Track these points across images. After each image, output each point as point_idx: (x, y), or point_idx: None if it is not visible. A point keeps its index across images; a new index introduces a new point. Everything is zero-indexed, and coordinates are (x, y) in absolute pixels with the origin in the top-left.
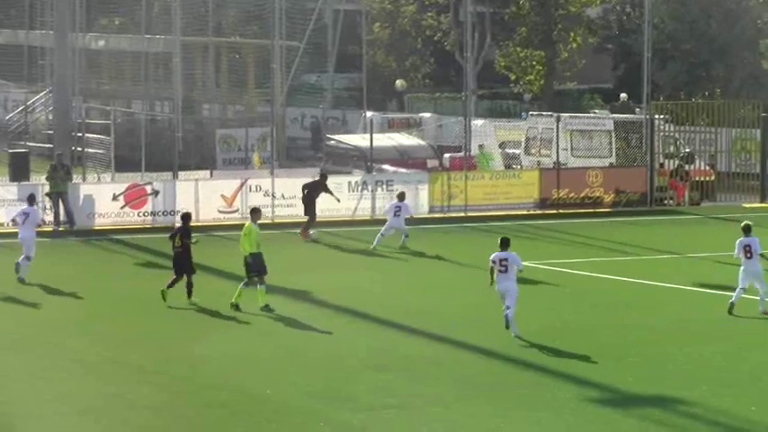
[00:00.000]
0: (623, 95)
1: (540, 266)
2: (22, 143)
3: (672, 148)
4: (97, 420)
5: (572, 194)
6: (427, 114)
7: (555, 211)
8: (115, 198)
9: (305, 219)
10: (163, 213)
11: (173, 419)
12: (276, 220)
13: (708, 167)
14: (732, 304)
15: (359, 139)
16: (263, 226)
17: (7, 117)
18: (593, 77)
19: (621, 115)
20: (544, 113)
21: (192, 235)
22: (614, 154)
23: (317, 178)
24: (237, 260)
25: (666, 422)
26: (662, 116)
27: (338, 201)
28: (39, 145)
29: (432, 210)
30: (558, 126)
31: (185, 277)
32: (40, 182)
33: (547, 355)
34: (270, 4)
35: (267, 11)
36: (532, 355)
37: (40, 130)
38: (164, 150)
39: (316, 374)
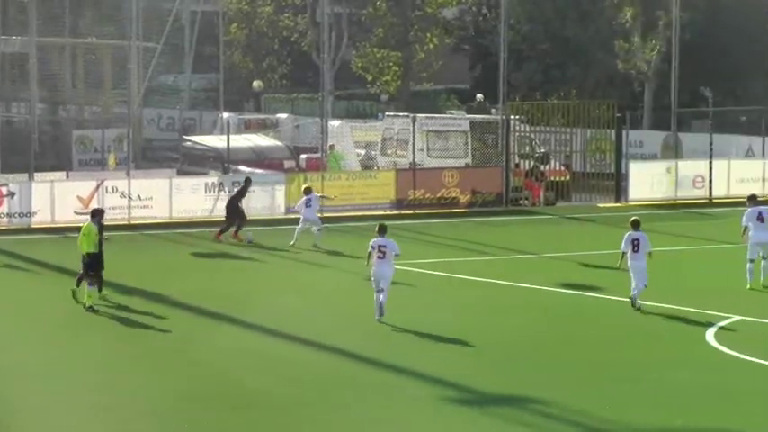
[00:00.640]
0: (479, 96)
1: (397, 267)
2: None
3: (527, 149)
4: None
5: (428, 195)
6: (284, 115)
7: (411, 212)
8: None
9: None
10: (19, 215)
11: None
12: (133, 222)
13: (563, 168)
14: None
15: (215, 140)
16: (119, 227)
17: None
18: (449, 78)
19: (477, 116)
20: (400, 114)
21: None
22: (470, 154)
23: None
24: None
25: (523, 421)
26: (517, 117)
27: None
28: None
29: (289, 210)
30: (414, 127)
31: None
32: None
33: (403, 354)
34: (127, 5)
35: (124, 12)
36: (389, 355)
37: None
38: (20, 151)
39: (181, 377)
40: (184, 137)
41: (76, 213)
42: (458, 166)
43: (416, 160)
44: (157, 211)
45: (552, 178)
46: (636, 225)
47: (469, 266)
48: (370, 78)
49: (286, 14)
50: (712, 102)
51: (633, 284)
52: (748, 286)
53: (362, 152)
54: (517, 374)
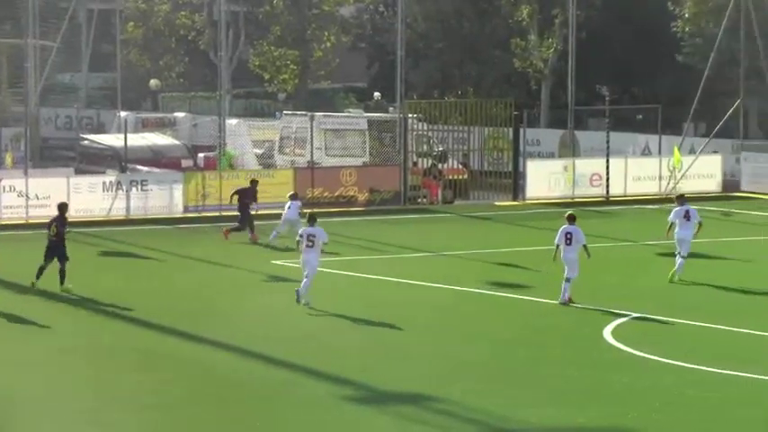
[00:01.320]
0: (377, 94)
1: (293, 265)
2: None
3: (425, 147)
4: None
5: (326, 193)
6: (181, 114)
7: (309, 210)
8: None
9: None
10: None
11: None
12: (30, 221)
13: (461, 166)
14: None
15: (113, 139)
16: (17, 227)
17: None
18: (347, 76)
19: (375, 114)
20: (298, 113)
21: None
22: (368, 153)
23: (247, 185)
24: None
25: (421, 419)
26: (415, 115)
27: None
28: None
29: (186, 209)
30: (311, 125)
31: (57, 264)
32: None
33: (302, 353)
34: (23, 3)
35: (20, 10)
36: (288, 353)
37: None
38: None
39: (80, 376)
40: (81, 135)
41: None
42: (356, 164)
43: (314, 159)
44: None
45: (450, 177)
46: (571, 219)
47: (368, 265)
48: (267, 77)
49: (183, 13)
50: (609, 100)
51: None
52: (677, 278)
53: (261, 151)
54: (416, 372)
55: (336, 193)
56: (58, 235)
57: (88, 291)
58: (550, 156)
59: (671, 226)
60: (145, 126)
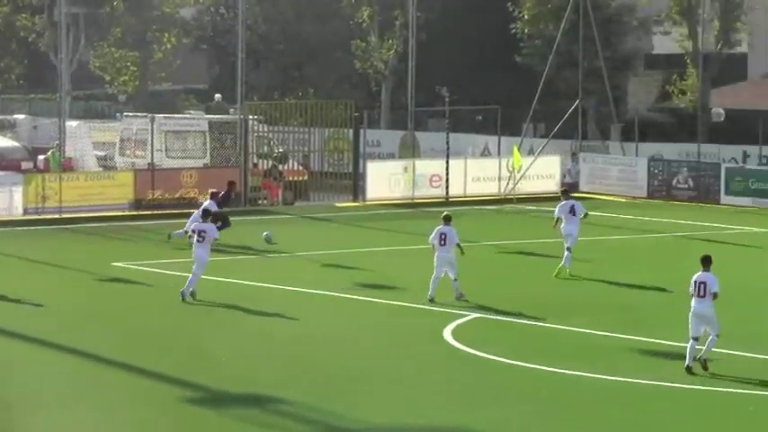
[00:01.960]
0: (218, 96)
1: (133, 267)
2: None
3: (266, 149)
4: None
5: (167, 195)
6: (21, 116)
7: (150, 212)
8: None
9: None
10: None
11: None
12: None
13: (301, 167)
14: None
15: None
16: None
17: None
18: (187, 78)
19: (216, 116)
20: (139, 114)
21: None
22: (209, 154)
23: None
24: None
25: (262, 422)
26: (256, 116)
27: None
28: None
29: (26, 212)
30: (152, 127)
31: None
32: None
33: (143, 356)
34: None
35: None
36: (130, 357)
37: None
38: None
39: None
40: None
41: None
42: (197, 166)
43: (155, 160)
44: None
45: (290, 178)
46: (447, 220)
47: (210, 267)
48: (108, 78)
49: (23, 15)
50: (449, 101)
51: (435, 275)
52: (567, 273)
53: (102, 153)
54: (256, 374)
55: (177, 195)
56: None
57: None
58: (391, 157)
59: (557, 220)
60: None
